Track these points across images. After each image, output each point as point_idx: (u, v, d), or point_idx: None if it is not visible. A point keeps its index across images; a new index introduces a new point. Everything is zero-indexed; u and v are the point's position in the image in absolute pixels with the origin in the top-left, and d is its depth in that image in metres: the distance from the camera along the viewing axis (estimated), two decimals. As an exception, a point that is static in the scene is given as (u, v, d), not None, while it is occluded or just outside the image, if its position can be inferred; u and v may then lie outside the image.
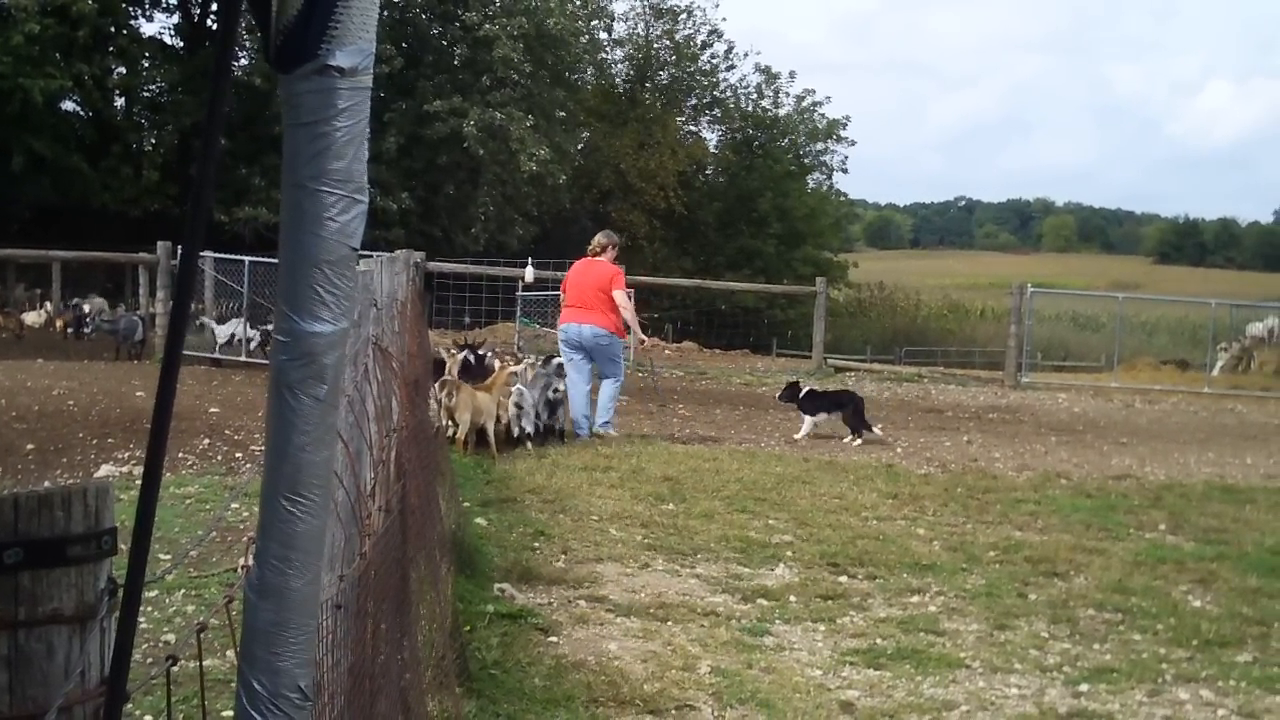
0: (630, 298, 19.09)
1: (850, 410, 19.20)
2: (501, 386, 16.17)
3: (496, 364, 17.35)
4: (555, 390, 16.75)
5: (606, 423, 17.71)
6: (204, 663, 5.85)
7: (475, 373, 17.49)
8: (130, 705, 5.42)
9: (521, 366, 17.01)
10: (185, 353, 24.45)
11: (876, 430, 19.10)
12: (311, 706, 1.89)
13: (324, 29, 1.79)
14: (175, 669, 1.90)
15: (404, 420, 7.03)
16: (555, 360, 17.34)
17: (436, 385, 14.90)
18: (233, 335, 25.75)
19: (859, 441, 18.67)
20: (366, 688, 4.28)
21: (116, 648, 1.65)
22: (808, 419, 19.12)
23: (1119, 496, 14.94)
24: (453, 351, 17.65)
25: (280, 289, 1.87)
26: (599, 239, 18.16)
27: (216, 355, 25.57)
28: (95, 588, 1.70)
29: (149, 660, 6.98)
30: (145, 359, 25.90)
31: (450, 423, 15.21)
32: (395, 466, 6.10)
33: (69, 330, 30.00)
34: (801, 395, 19.28)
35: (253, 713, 1.84)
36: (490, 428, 15.87)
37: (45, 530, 1.66)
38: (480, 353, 19.03)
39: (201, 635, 2.09)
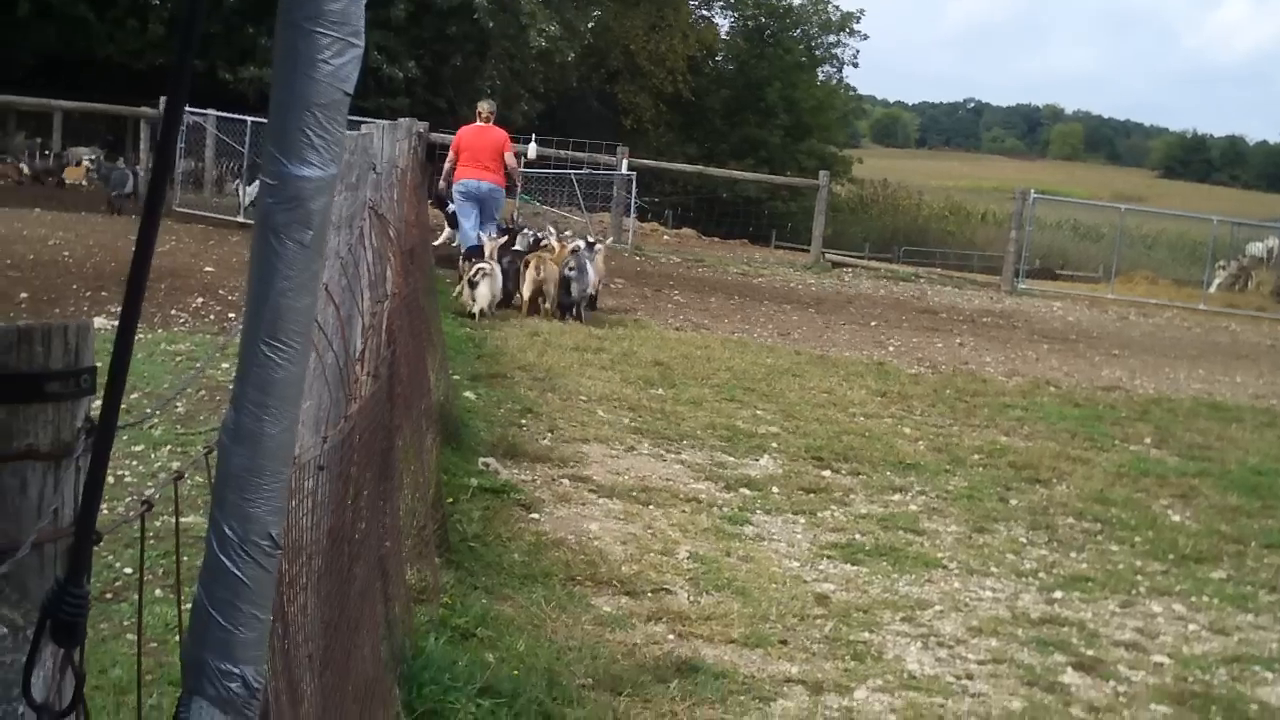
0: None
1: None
2: (561, 260, 17.63)
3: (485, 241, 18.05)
4: (570, 268, 17.46)
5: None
6: (184, 518, 5.88)
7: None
8: (112, 559, 5.43)
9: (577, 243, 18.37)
10: (206, 214, 24.41)
11: None
12: (280, 554, 1.88)
13: None
14: (152, 519, 1.89)
15: (397, 288, 7.02)
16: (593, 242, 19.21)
17: (528, 261, 17.63)
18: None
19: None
20: (345, 551, 4.30)
21: (87, 485, 1.64)
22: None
23: (1107, 407, 14.98)
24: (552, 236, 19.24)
25: (269, 131, 1.83)
26: (486, 107, 20.89)
27: (242, 219, 24.74)
28: (72, 426, 1.68)
29: (131, 513, 7.00)
30: (134, 214, 25.48)
31: (537, 293, 17.54)
32: (386, 334, 6.09)
33: (51, 180, 29.57)
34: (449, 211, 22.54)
35: (222, 558, 1.83)
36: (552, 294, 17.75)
37: (23, 365, 1.63)
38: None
39: (179, 484, 2.08)
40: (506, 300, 17.85)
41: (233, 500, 1.83)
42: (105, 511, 5.39)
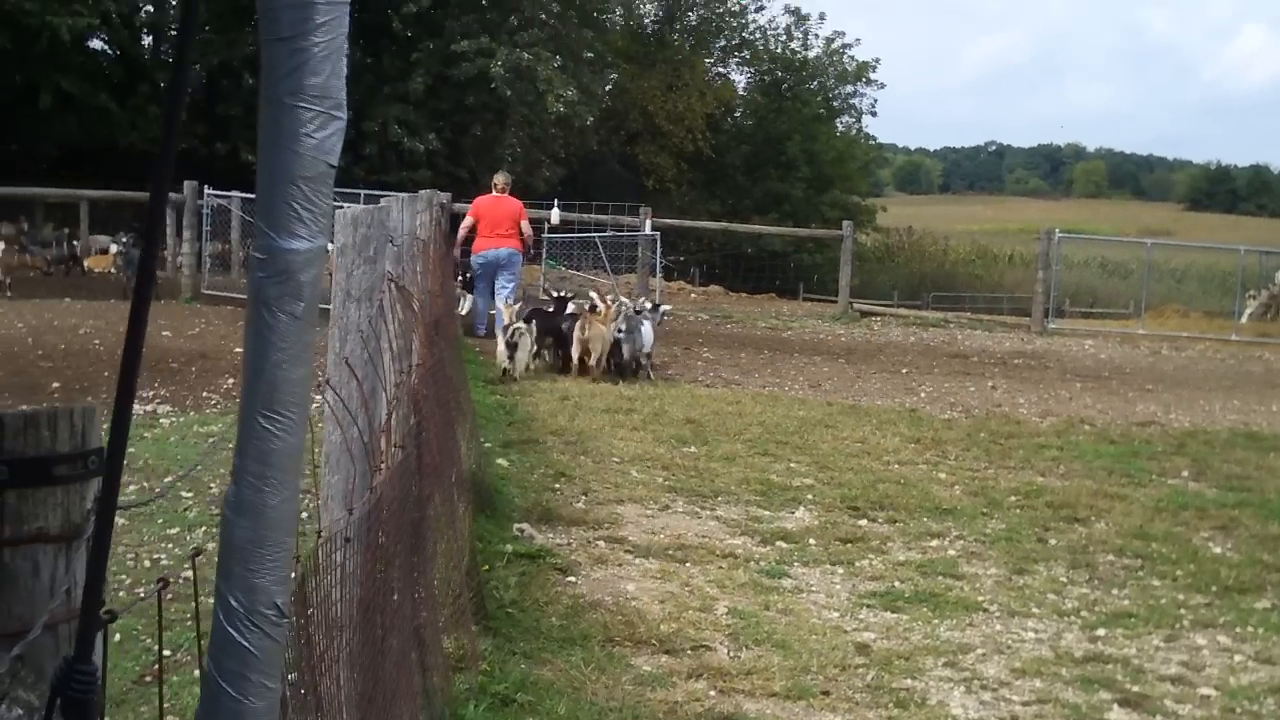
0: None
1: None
2: (612, 320, 17.95)
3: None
4: (620, 329, 17.82)
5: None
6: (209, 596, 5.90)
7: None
8: (150, 641, 5.41)
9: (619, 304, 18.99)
10: (234, 295, 24.60)
11: None
12: (288, 624, 1.89)
13: (301, -57, 1.78)
14: (184, 601, 1.90)
15: (422, 359, 7.05)
16: (651, 304, 20.24)
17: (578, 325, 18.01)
18: None
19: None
20: (378, 622, 4.30)
21: (90, 562, 1.66)
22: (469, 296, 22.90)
23: (1143, 443, 14.92)
24: (606, 298, 19.49)
25: (258, 206, 1.86)
26: (502, 179, 22.37)
27: None
28: (81, 508, 1.71)
29: (146, 592, 7.02)
30: (159, 298, 25.58)
31: (585, 353, 17.89)
32: (412, 405, 6.11)
33: (74, 269, 29.75)
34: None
35: (229, 629, 1.85)
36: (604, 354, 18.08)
37: (31, 449, 1.66)
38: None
39: (197, 560, 2.09)
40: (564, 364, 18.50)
41: (238, 572, 1.84)
42: (140, 594, 5.39)
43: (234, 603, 1.84)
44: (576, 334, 17.88)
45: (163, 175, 1.69)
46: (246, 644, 1.85)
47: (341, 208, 4.61)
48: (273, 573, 1.85)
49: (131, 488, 9.47)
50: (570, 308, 19.14)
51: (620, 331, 17.85)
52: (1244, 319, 32.16)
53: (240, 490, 1.85)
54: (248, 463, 1.85)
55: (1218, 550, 10.43)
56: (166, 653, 6.30)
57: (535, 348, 18.14)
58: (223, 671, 1.85)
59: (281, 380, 1.83)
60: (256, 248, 1.86)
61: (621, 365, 17.97)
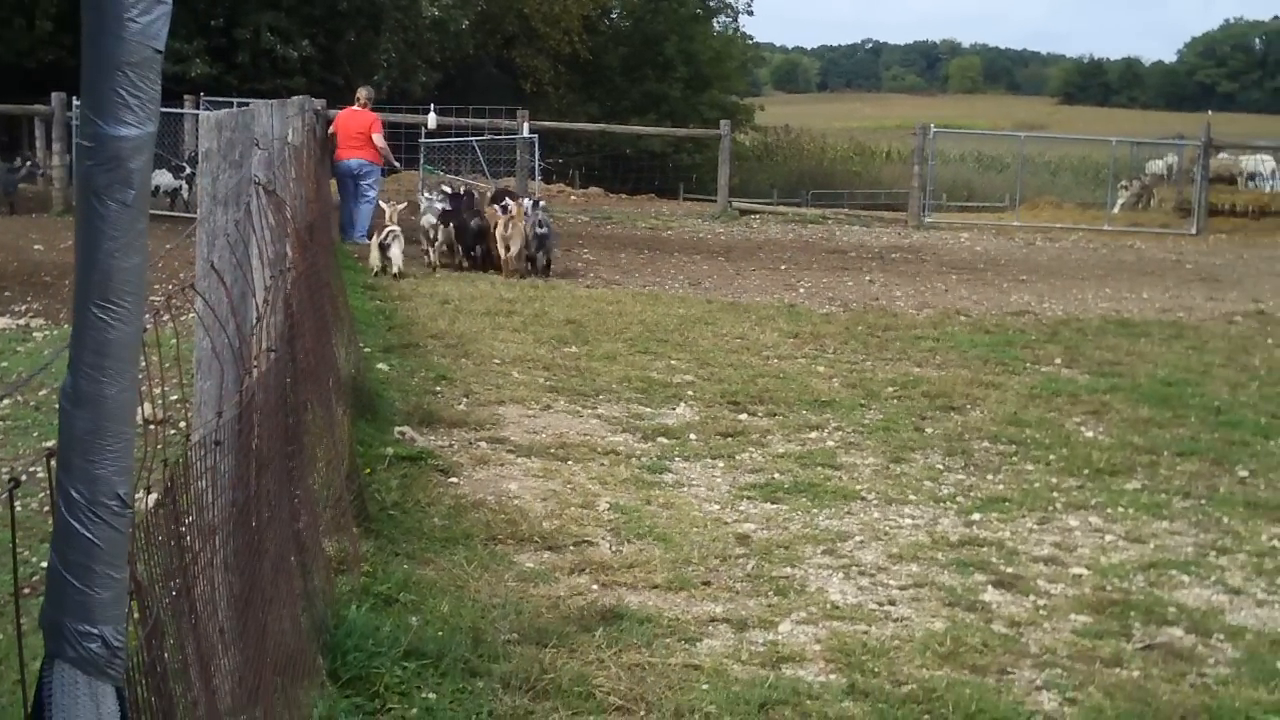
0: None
1: None
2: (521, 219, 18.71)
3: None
4: (540, 224, 18.59)
5: (364, 233, 21.49)
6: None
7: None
8: (28, 554, 5.38)
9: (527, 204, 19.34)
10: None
11: None
12: (131, 515, 1.89)
13: None
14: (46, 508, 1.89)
15: (296, 264, 6.99)
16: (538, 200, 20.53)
17: (500, 222, 18.60)
18: (158, 187, 24.74)
19: None
20: (253, 526, 4.30)
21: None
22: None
23: (1017, 332, 15.15)
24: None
25: (83, 94, 1.83)
26: (363, 94, 23.21)
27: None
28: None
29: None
30: (30, 212, 25.00)
31: (504, 249, 18.51)
32: (284, 309, 6.06)
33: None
34: None
35: (71, 521, 1.84)
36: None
37: None
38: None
39: (52, 461, 2.07)
40: (485, 260, 19.15)
41: (78, 464, 1.83)
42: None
43: (75, 494, 1.84)
44: (499, 232, 18.41)
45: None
46: (90, 535, 1.84)
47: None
48: (114, 463, 1.84)
49: (5, 401, 9.33)
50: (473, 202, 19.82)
51: (541, 228, 18.48)
52: (1116, 209, 32.59)
53: (77, 381, 1.83)
54: (84, 354, 1.83)
55: (1089, 434, 10.65)
56: (44, 564, 6.25)
57: (449, 246, 19.16)
58: (67, 564, 1.85)
59: (115, 270, 1.81)
60: (83, 135, 1.83)
61: (536, 260, 18.58)
